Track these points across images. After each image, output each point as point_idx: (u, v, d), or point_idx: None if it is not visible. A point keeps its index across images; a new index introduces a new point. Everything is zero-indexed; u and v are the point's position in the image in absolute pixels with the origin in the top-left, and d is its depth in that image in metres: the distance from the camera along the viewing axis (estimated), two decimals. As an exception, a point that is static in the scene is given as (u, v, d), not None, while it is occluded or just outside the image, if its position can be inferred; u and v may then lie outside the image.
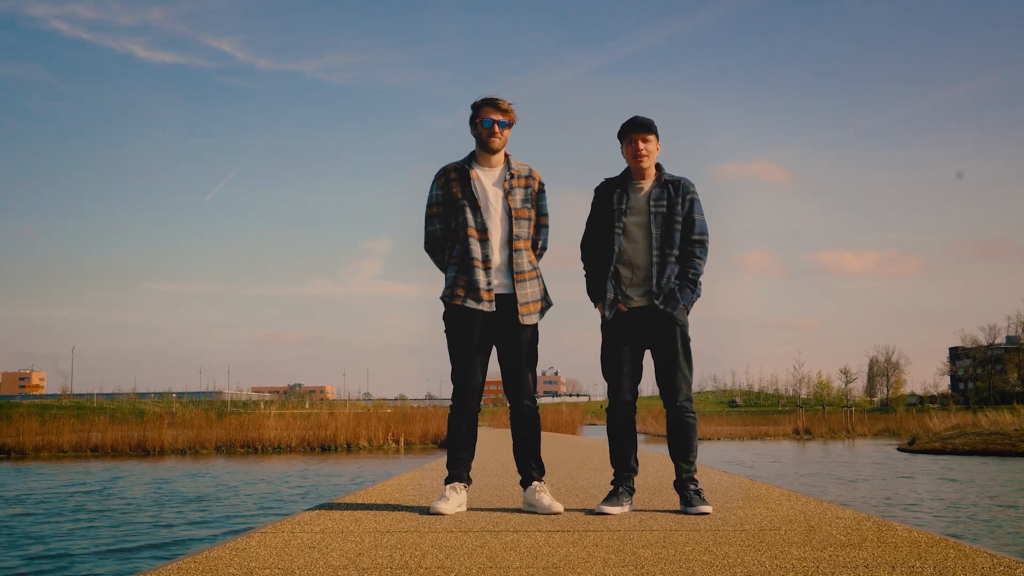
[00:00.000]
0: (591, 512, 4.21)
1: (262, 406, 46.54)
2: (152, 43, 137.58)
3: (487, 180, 4.29)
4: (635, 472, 4.37)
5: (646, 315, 4.28)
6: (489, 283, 4.20)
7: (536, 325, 4.33)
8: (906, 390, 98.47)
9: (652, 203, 4.31)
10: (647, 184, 4.37)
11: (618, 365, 4.34)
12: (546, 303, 4.37)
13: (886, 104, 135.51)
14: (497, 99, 4.26)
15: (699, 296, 4.35)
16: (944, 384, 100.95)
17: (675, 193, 4.33)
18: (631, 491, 4.34)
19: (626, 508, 4.25)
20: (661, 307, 4.23)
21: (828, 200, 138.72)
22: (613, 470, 4.40)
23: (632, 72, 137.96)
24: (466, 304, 4.19)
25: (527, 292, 4.26)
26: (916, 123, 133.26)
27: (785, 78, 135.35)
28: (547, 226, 4.44)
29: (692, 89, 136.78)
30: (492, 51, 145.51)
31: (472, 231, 4.22)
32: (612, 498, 4.25)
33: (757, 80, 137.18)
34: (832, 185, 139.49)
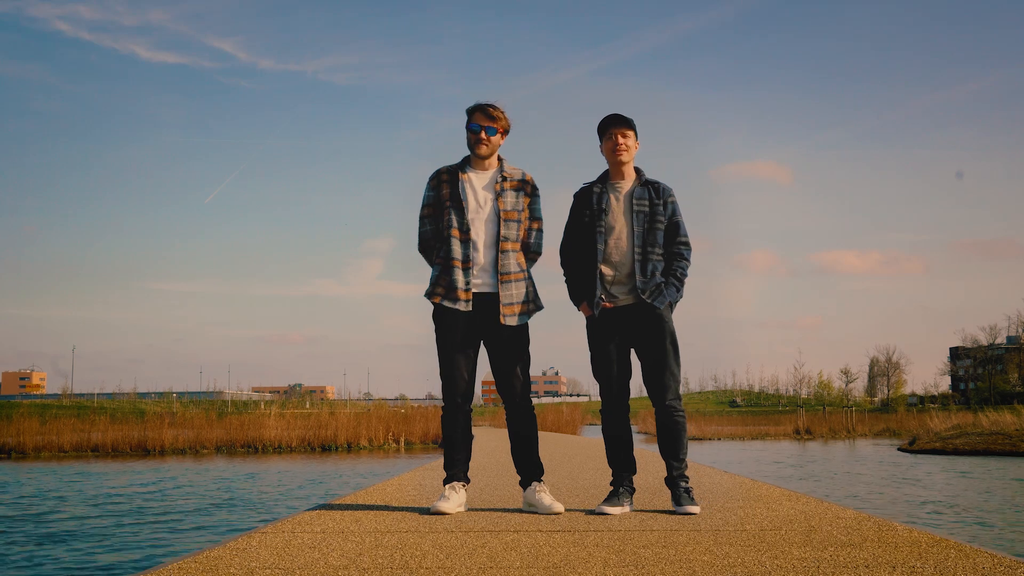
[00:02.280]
0: (591, 512, 4.21)
1: (262, 406, 46.56)
2: (154, 43, 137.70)
3: (478, 183, 4.31)
4: (634, 471, 4.37)
5: (631, 313, 4.28)
6: (468, 283, 4.21)
7: (524, 326, 4.33)
8: (907, 390, 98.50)
9: (635, 202, 4.32)
10: (627, 184, 4.38)
11: (607, 365, 4.35)
12: (534, 306, 4.34)
13: (887, 104, 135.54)
14: (488, 105, 4.28)
15: (681, 297, 4.37)
16: (945, 384, 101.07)
17: (656, 195, 4.35)
18: (631, 491, 4.34)
19: (626, 508, 4.25)
20: (648, 300, 4.22)
21: (830, 200, 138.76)
22: (611, 470, 4.40)
23: (634, 73, 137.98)
24: (444, 303, 4.21)
25: (511, 293, 4.25)
26: (917, 123, 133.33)
27: (786, 78, 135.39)
28: (540, 230, 4.43)
29: (694, 89, 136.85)
30: (493, 52, 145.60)
31: (455, 232, 4.24)
32: (612, 498, 4.26)
33: (758, 80, 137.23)
34: (834, 185, 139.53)
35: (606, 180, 4.42)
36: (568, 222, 4.49)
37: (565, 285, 4.52)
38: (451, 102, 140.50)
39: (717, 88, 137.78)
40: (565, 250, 4.49)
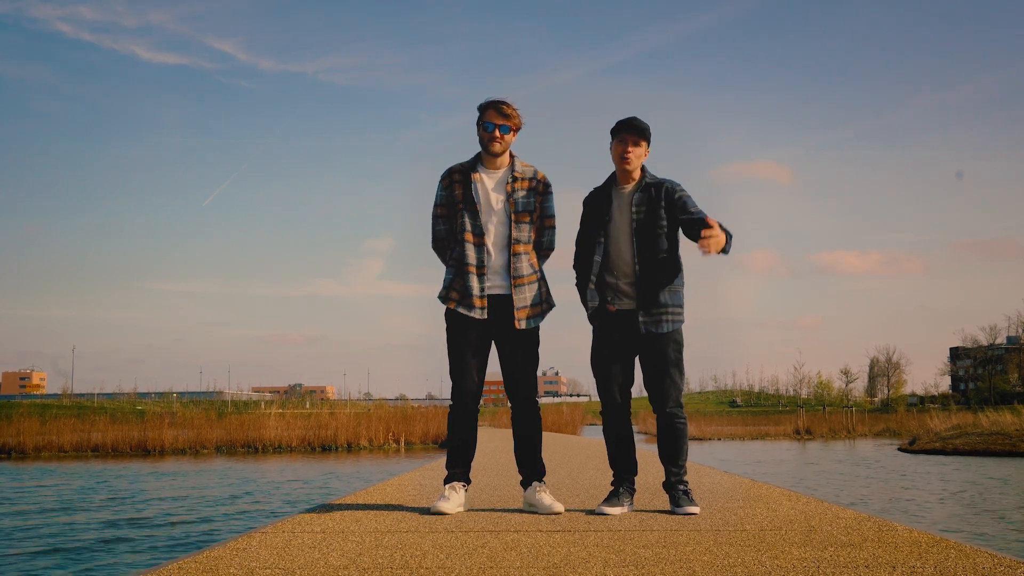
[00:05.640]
0: (591, 512, 4.21)
1: (263, 406, 46.53)
2: (155, 44, 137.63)
3: (490, 183, 4.28)
4: (635, 472, 4.36)
5: (635, 318, 4.25)
6: (483, 289, 4.20)
7: (536, 328, 4.32)
8: (907, 390, 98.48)
9: (633, 208, 4.27)
10: (630, 188, 4.33)
11: (607, 367, 4.31)
12: (547, 305, 4.35)
13: (887, 104, 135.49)
14: (502, 103, 4.23)
15: (731, 236, 4.13)
16: (945, 384, 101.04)
17: (658, 197, 4.26)
18: (631, 491, 4.33)
19: (626, 508, 4.24)
20: (643, 329, 4.18)
21: (830, 200, 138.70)
22: (613, 471, 4.39)
23: (635, 73, 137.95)
24: (458, 310, 4.20)
25: (525, 296, 4.25)
26: (917, 123, 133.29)
27: (787, 78, 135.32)
28: (553, 227, 4.41)
29: (694, 89, 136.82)
30: (493, 52, 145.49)
31: (469, 235, 4.22)
32: (612, 498, 4.25)
33: (759, 80, 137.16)
34: (834, 185, 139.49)
35: (612, 184, 4.38)
36: (579, 231, 4.47)
37: (571, 286, 4.51)
38: (451, 102, 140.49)
39: (717, 88, 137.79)
40: (576, 258, 4.48)
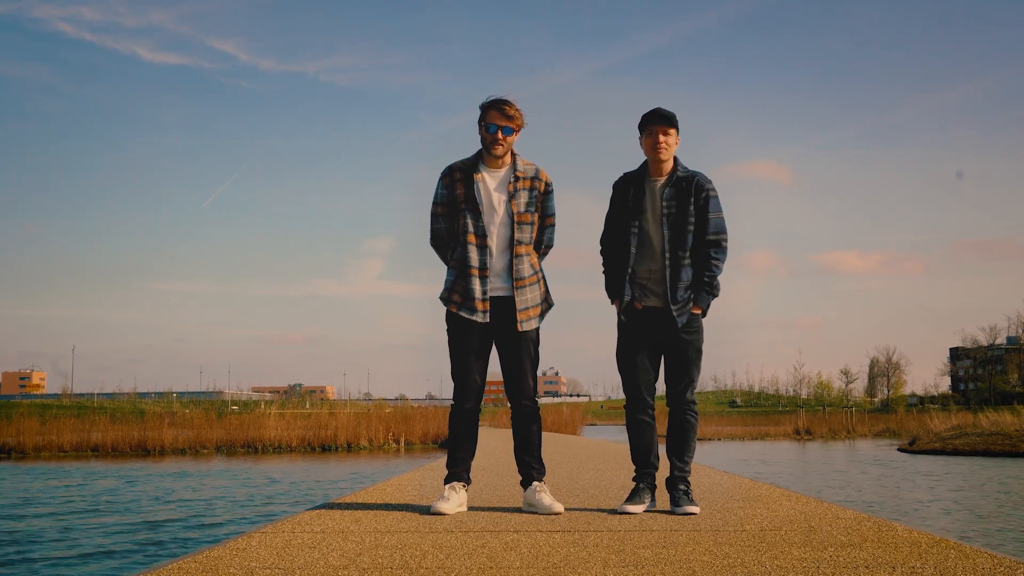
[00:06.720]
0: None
1: (262, 406, 46.52)
2: (156, 44, 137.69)
3: (492, 182, 4.25)
4: (655, 468, 4.36)
5: (661, 316, 4.26)
6: (485, 292, 4.18)
7: (537, 328, 4.32)
8: (907, 390, 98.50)
9: (664, 203, 4.27)
10: (662, 181, 4.32)
11: (633, 364, 4.32)
12: (547, 305, 4.35)
13: (887, 104, 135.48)
14: (504, 104, 4.19)
15: (716, 296, 4.32)
16: (945, 384, 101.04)
17: (688, 191, 4.26)
18: (652, 487, 4.33)
19: (649, 505, 4.27)
20: (676, 316, 4.21)
21: (830, 200, 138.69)
22: (635, 467, 4.39)
23: (635, 73, 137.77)
24: (460, 313, 4.20)
25: (526, 298, 4.24)
26: (917, 123, 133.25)
27: (786, 78, 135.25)
28: (553, 226, 4.40)
29: (694, 89, 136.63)
30: (494, 52, 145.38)
31: (471, 236, 4.20)
32: (634, 496, 4.25)
33: (759, 80, 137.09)
34: (834, 185, 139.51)
35: (644, 175, 4.36)
36: (608, 213, 4.46)
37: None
38: (451, 102, 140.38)
39: (717, 88, 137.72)
40: (604, 242, 4.48)
